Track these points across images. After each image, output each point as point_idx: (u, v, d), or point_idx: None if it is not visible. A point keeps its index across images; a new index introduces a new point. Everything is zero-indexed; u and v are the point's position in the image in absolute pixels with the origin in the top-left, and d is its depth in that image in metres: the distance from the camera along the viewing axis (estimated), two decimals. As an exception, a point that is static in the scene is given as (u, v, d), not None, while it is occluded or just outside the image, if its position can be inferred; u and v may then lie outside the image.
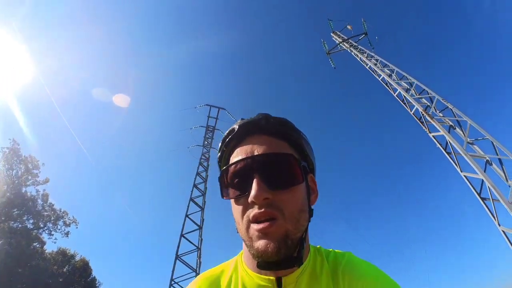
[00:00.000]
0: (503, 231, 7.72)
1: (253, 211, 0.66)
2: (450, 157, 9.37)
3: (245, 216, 0.68)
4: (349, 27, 16.49)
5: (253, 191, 0.65)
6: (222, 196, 0.73)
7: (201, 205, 18.31)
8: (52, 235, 13.04)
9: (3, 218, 11.18)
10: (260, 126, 0.73)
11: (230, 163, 0.72)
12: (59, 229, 12.98)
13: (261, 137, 0.72)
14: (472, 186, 8.54)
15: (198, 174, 19.94)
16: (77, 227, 13.31)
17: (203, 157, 21.15)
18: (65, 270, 12.73)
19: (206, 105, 22.83)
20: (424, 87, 10.71)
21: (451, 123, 9.45)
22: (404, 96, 11.09)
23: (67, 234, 13.10)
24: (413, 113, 10.82)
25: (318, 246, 0.83)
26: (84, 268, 13.57)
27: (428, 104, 10.43)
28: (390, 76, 12.10)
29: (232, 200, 0.72)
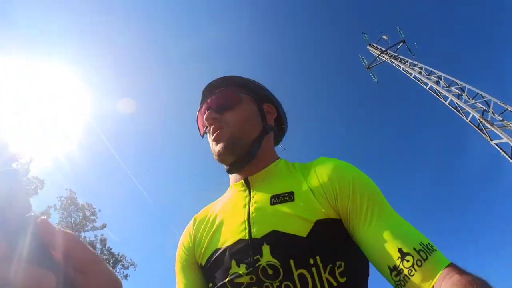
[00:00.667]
0: None
1: (212, 131, 0.88)
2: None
3: (210, 140, 0.91)
4: (385, 37, 16.03)
5: (205, 115, 0.89)
6: (201, 135, 1.01)
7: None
8: None
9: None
10: (214, 83, 0.99)
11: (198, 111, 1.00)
12: (118, 272, 13.50)
13: (218, 90, 0.96)
14: None
15: None
16: (135, 269, 13.78)
17: None
18: None
19: None
20: (477, 90, 10.06)
21: None
22: (457, 103, 10.40)
23: (125, 276, 13.57)
24: (469, 121, 10.06)
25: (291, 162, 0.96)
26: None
27: (485, 108, 9.72)
28: (437, 83, 11.51)
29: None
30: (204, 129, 0.95)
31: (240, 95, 0.94)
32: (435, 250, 0.62)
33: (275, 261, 0.69)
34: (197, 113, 1.01)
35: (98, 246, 13.28)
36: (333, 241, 0.71)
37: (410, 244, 0.62)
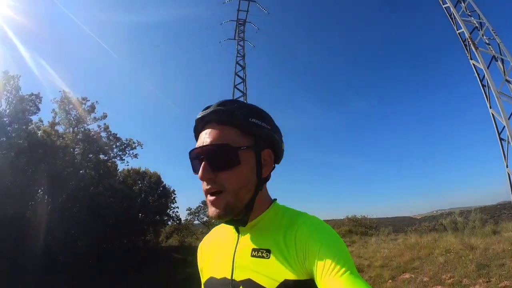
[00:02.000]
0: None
1: (205, 186, 0.91)
2: (483, 90, 10.65)
3: (203, 189, 0.92)
4: None
5: (200, 172, 0.88)
6: (194, 172, 0.96)
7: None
8: (123, 159, 14.84)
9: (79, 157, 12.85)
10: (211, 117, 0.93)
11: (192, 149, 0.96)
12: (128, 154, 14.76)
13: (213, 126, 0.93)
14: (496, 126, 10.31)
15: (236, 74, 20.81)
16: (142, 148, 15.04)
17: (238, 55, 21.63)
18: (141, 185, 15.43)
19: None
20: (476, 7, 10.85)
21: (494, 54, 10.29)
22: (453, 12, 11.28)
23: (135, 156, 14.85)
24: (458, 33, 11.31)
25: (278, 204, 1.02)
26: (157, 180, 16.04)
27: (477, 26, 10.81)
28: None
29: None
30: (196, 173, 0.93)
31: (239, 156, 0.90)
32: None
33: None
34: (196, 138, 1.00)
35: (104, 134, 14.02)
36: None
37: None
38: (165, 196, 16.38)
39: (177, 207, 18.35)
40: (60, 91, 13.64)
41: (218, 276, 0.97)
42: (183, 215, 22.90)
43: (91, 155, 13.22)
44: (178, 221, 18.63)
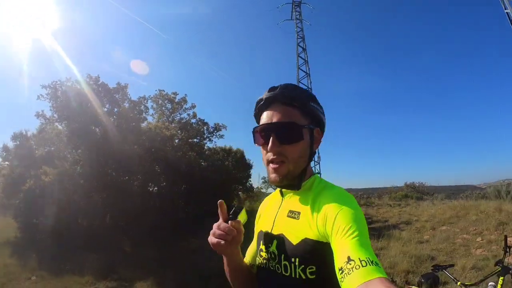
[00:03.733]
0: None
1: (270, 156, 1.11)
2: None
3: (265, 158, 1.14)
4: None
5: (270, 145, 1.08)
6: (254, 143, 1.20)
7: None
8: (212, 140, 18.52)
9: (180, 142, 16.53)
10: (278, 98, 1.12)
11: (259, 123, 1.18)
12: (215, 136, 18.41)
13: (278, 106, 1.12)
14: None
15: (298, 55, 23.28)
16: (226, 130, 18.60)
17: (298, 37, 23.94)
18: (229, 161, 18.75)
19: None
20: None
21: None
22: None
23: (222, 136, 18.49)
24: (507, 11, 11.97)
25: (318, 177, 1.23)
26: (241, 155, 19.33)
27: None
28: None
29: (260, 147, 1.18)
30: (261, 144, 1.16)
31: (302, 133, 1.11)
32: (378, 265, 0.79)
33: (276, 251, 1.11)
34: (259, 115, 1.21)
35: (193, 120, 17.67)
36: (311, 252, 1.01)
37: (357, 255, 0.81)
38: (247, 169, 19.73)
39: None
40: (156, 90, 17.44)
41: (264, 229, 1.23)
42: (255, 183, 26.22)
43: (190, 140, 16.98)
44: (251, 190, 21.57)
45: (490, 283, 4.04)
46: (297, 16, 24.69)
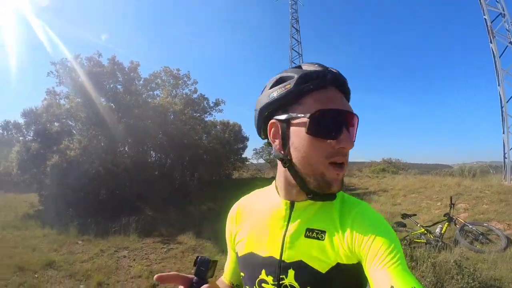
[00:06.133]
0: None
1: (337, 155, 0.83)
2: (496, 71, 13.26)
3: (322, 155, 0.83)
4: None
5: (347, 141, 0.82)
6: (308, 131, 0.83)
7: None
8: (212, 114, 19.89)
9: (182, 116, 18.14)
10: (340, 82, 0.87)
11: (313, 106, 0.83)
12: (215, 110, 19.69)
13: (338, 93, 0.87)
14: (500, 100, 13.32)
15: (291, 37, 24.78)
16: (224, 104, 19.82)
17: (292, 18, 25.38)
18: (227, 134, 20.39)
19: None
20: None
21: (509, 42, 12.87)
22: None
23: (221, 111, 19.75)
24: (484, 19, 13.67)
25: None
26: (239, 128, 21.13)
27: (502, 13, 13.07)
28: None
29: (310, 137, 0.83)
30: (326, 137, 0.84)
31: None
32: None
33: (296, 284, 0.88)
34: (303, 92, 0.86)
35: (195, 95, 19.16)
36: (346, 282, 0.86)
37: (401, 285, 0.71)
38: (244, 141, 21.78)
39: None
40: (161, 67, 18.78)
41: (262, 253, 0.95)
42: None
43: (195, 114, 18.66)
44: (245, 161, 23.54)
45: (438, 226, 7.21)
46: None
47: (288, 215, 0.96)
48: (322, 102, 0.84)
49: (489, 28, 13.66)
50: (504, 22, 13.37)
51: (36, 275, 6.23)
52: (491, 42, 13.69)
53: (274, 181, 1.06)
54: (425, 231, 7.26)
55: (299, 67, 0.92)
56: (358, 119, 0.88)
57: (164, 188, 14.61)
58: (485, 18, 13.92)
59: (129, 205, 12.65)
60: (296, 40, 25.15)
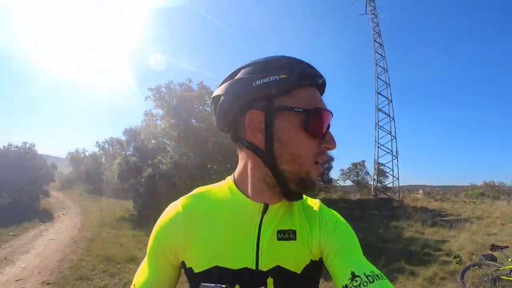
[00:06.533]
0: None
1: (322, 155, 0.82)
2: None
3: (312, 153, 0.81)
4: None
5: (332, 142, 0.83)
6: (305, 128, 0.79)
7: (388, 97, 23.97)
8: None
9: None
10: (323, 86, 0.88)
11: (324, 108, 0.82)
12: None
13: (319, 94, 0.87)
14: None
15: (375, 51, 24.72)
16: None
17: (374, 32, 25.28)
18: None
19: None
20: None
21: None
22: None
23: None
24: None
25: None
26: None
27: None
28: None
29: (303, 133, 0.79)
30: (317, 134, 0.81)
31: None
32: (384, 278, 0.75)
33: None
34: (295, 85, 0.80)
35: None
36: (316, 277, 0.90)
37: (361, 270, 0.75)
38: (328, 161, 21.32)
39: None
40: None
41: (233, 266, 0.82)
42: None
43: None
44: (329, 182, 23.05)
45: None
46: (372, 11, 25.52)
47: (260, 219, 0.86)
48: (317, 101, 0.84)
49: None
50: None
51: (119, 266, 7.29)
52: None
53: (227, 178, 0.96)
54: (517, 267, 6.15)
55: (284, 57, 0.84)
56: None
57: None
58: None
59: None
60: (380, 54, 24.56)
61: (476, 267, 6.71)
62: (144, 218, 14.05)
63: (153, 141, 17.68)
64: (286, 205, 0.90)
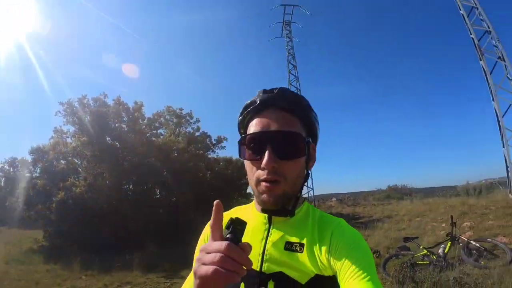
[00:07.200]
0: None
1: (263, 174, 0.90)
2: (489, 87, 13.92)
3: (255, 175, 0.93)
4: None
5: (265, 160, 0.87)
6: (240, 156, 0.98)
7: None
8: (215, 151, 20.62)
9: (185, 154, 18.76)
10: (277, 102, 0.93)
11: (249, 132, 0.95)
12: (217, 147, 20.44)
13: (277, 112, 0.93)
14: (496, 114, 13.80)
15: (289, 72, 26.16)
16: (227, 141, 20.60)
17: (289, 55, 26.83)
18: (230, 170, 20.77)
19: (281, 5, 27.35)
20: (485, 16, 14.14)
21: (500, 55, 13.76)
22: (466, 19, 14.85)
23: (223, 148, 20.54)
24: (471, 38, 14.64)
25: (309, 204, 1.08)
26: (242, 165, 21.68)
27: (488, 31, 14.01)
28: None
29: (245, 160, 0.97)
30: (250, 158, 0.95)
31: (305, 148, 0.94)
32: None
33: None
34: (246, 122, 1.00)
35: (197, 133, 19.92)
36: None
37: None
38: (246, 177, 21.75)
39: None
40: (164, 106, 19.73)
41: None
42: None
43: (198, 151, 19.25)
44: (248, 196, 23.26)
45: (441, 246, 7.37)
46: (288, 34, 27.68)
47: (267, 228, 1.00)
48: (254, 127, 0.96)
49: (477, 46, 14.35)
50: (491, 38, 14.17)
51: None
52: (480, 60, 14.39)
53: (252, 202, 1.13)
54: (428, 253, 7.44)
55: None
56: (292, 133, 0.93)
57: (169, 225, 15.00)
58: (472, 37, 14.71)
59: (133, 241, 12.90)
60: (293, 75, 26.50)
61: (394, 258, 7.87)
62: (57, 249, 12.99)
63: (62, 161, 16.24)
64: (298, 219, 1.01)
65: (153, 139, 17.24)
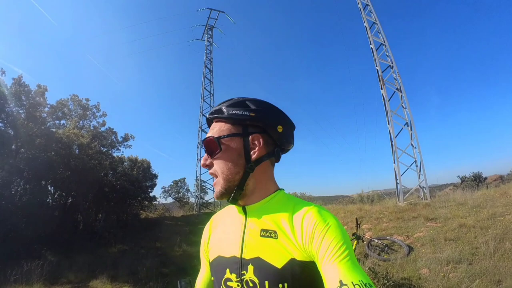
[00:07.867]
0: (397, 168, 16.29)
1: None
2: (386, 112, 16.19)
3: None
4: None
5: (201, 161, 1.16)
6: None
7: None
8: (120, 150, 18.73)
9: (89, 150, 16.97)
10: (212, 117, 1.18)
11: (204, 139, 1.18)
12: (123, 145, 18.60)
13: (214, 123, 1.18)
14: (390, 135, 16.01)
15: (204, 76, 25.67)
16: (134, 140, 18.92)
17: (206, 59, 26.51)
18: (135, 171, 19.23)
19: (208, 8, 27.36)
20: (390, 53, 16.50)
21: (398, 87, 16.21)
22: (373, 53, 16.94)
23: (130, 146, 18.75)
24: (376, 69, 16.87)
25: (284, 192, 1.17)
26: (148, 166, 19.85)
27: (391, 65, 16.41)
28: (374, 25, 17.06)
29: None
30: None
31: (219, 145, 1.10)
32: (373, 287, 0.81)
33: (255, 279, 0.99)
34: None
35: (103, 128, 18.13)
36: (302, 276, 0.96)
37: (350, 279, 0.82)
38: (153, 179, 20.96)
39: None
40: (70, 94, 17.55)
41: (227, 255, 1.10)
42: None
43: (102, 148, 17.64)
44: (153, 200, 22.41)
45: None
46: (208, 39, 27.62)
47: (244, 219, 1.12)
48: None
49: (380, 77, 16.60)
50: (392, 72, 16.62)
51: None
52: (381, 89, 16.56)
53: None
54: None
55: None
56: (210, 139, 1.13)
57: (67, 229, 13.34)
58: (377, 69, 16.92)
59: (29, 249, 11.27)
60: (208, 80, 26.55)
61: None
62: None
63: None
64: (272, 207, 1.10)
65: (54, 130, 15.17)
